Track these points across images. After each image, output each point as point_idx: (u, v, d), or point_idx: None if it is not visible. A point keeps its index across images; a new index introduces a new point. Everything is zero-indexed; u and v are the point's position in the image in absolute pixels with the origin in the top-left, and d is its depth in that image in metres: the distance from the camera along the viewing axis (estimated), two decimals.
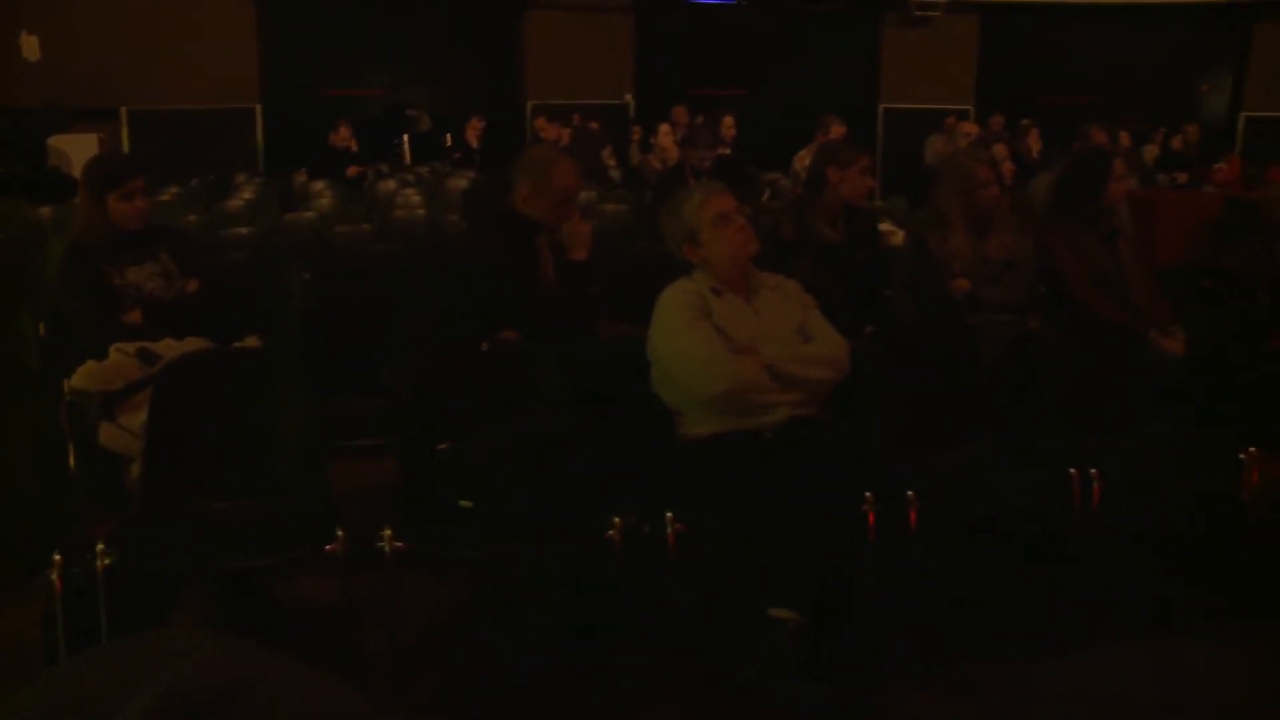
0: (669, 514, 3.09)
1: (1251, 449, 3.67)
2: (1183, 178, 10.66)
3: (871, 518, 3.16)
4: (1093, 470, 3.48)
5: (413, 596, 3.57)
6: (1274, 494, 4.04)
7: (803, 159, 8.13)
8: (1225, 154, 11.09)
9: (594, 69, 12.87)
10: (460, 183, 9.48)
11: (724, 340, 3.37)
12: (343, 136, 10.51)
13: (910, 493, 3.24)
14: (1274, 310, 7.01)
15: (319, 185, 9.72)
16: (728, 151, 8.79)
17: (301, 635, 3.44)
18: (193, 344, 3.72)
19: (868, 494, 3.16)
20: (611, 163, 10.29)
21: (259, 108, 12.58)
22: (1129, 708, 2.43)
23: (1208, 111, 13.83)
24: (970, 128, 9.60)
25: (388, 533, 3.04)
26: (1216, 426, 3.97)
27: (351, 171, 10.30)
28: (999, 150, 6.06)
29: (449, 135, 11.52)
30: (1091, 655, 2.50)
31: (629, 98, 13.24)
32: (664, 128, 9.98)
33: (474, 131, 11.11)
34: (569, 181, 3.97)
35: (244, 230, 7.27)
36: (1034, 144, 9.96)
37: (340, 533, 3.03)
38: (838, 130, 8.78)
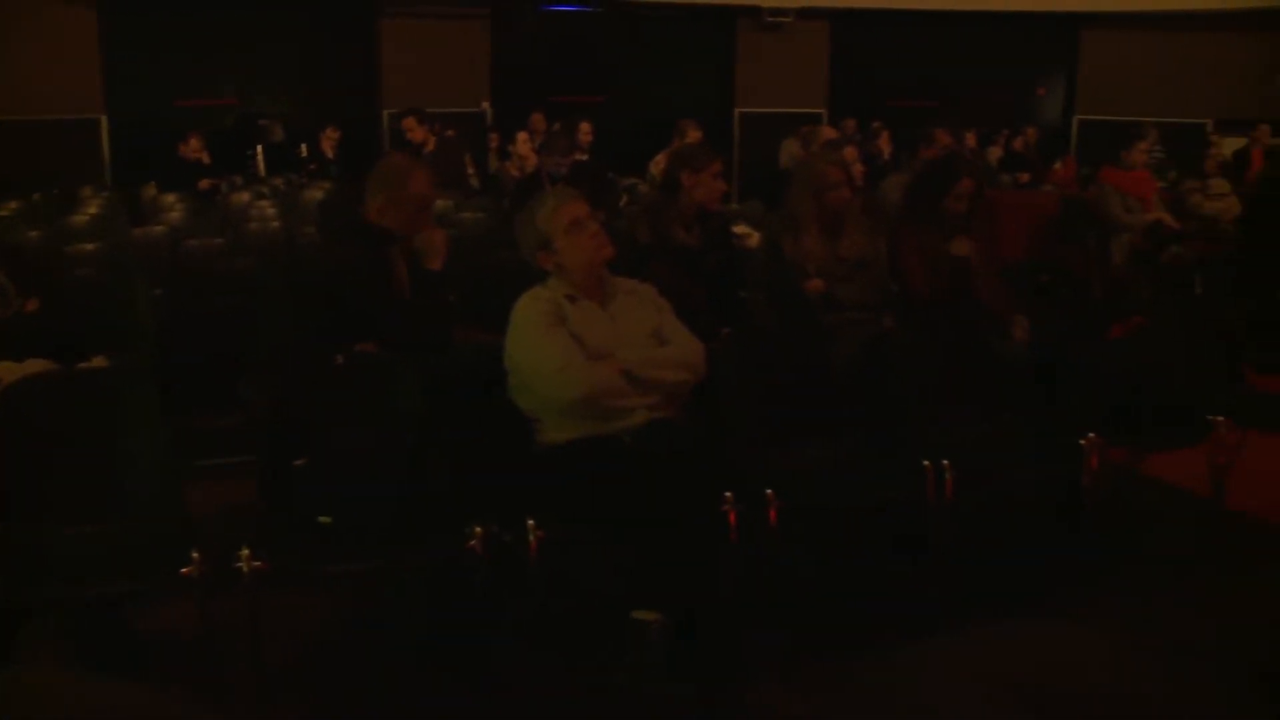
0: (530, 521, 3.10)
1: (1090, 435, 3.85)
2: (1024, 178, 11.07)
3: (732, 517, 3.21)
4: (945, 461, 3.60)
5: (276, 617, 3.50)
6: (1112, 478, 4.25)
7: (659, 164, 8.24)
8: (1062, 155, 11.59)
9: (450, 76, 12.77)
10: (317, 194, 9.32)
11: (580, 346, 3.38)
12: (193, 148, 10.24)
13: (769, 491, 3.30)
14: (1109, 303, 7.35)
15: (170, 198, 9.45)
16: (585, 158, 8.83)
17: (161, 665, 3.35)
18: (34, 366, 3.59)
19: (727, 494, 3.21)
20: (471, 170, 10.25)
21: (104, 118, 12.16)
22: (990, 690, 2.54)
23: (1045, 115, 14.41)
24: (829, 132, 9.83)
25: (245, 553, 2.98)
26: (1058, 415, 4.15)
27: (204, 184, 10.05)
28: (850, 153, 6.22)
29: (304, 146, 11.30)
30: (952, 641, 2.61)
31: (486, 105, 13.18)
32: (521, 135, 9.98)
33: (329, 141, 10.93)
34: (424, 191, 3.94)
35: (91, 246, 7.03)
36: (885, 146, 10.26)
37: (196, 555, 2.96)
38: (694, 135, 8.90)
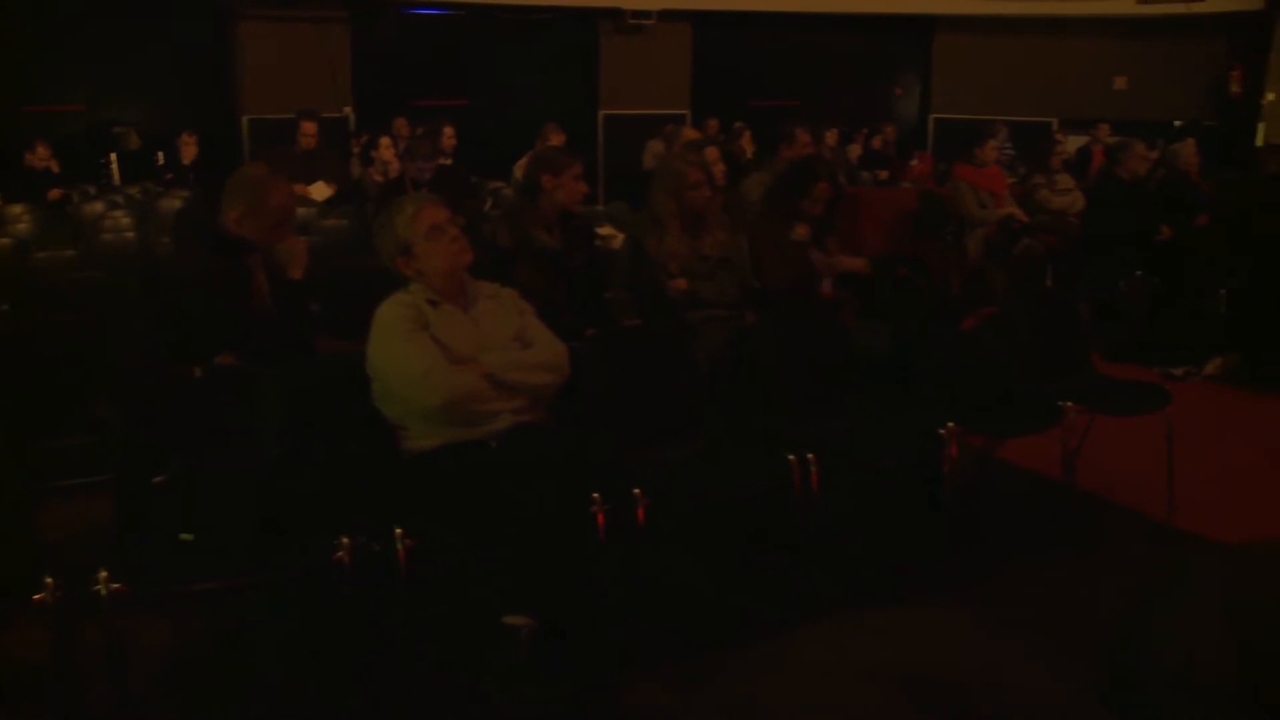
0: (398, 530, 3.07)
1: (950, 424, 3.96)
2: (883, 175, 11.36)
3: (601, 517, 3.22)
4: (809, 454, 3.65)
5: (138, 641, 3.41)
6: (971, 465, 4.40)
7: (522, 168, 8.21)
8: (918, 152, 11.91)
9: (311, 81, 12.54)
10: (175, 203, 9.07)
11: (442, 351, 3.36)
12: (41, 156, 9.86)
13: (637, 490, 3.32)
14: (965, 295, 7.59)
15: (16, 209, 9.08)
16: (449, 162, 8.78)
17: (18, 696, 3.23)
18: None
19: (595, 494, 3.22)
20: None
21: None
22: (861, 676, 2.58)
23: (902, 114, 14.78)
24: (691, 132, 9.91)
25: (103, 575, 2.89)
26: (918, 405, 4.26)
27: (53, 194, 9.68)
28: (711, 153, 6.28)
29: (161, 153, 10.97)
30: (822, 630, 2.65)
31: (348, 110, 12.98)
32: (384, 140, 9.87)
33: (187, 148, 10.64)
34: (283, 201, 3.88)
35: None
36: (747, 146, 10.38)
37: (49, 580, 2.86)
38: (557, 138, 8.90)
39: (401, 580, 3.08)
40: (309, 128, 9.03)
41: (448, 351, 3.37)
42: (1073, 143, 11.62)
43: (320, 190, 8.59)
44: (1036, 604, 3.82)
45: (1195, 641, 2.53)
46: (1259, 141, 13.19)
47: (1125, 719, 2.32)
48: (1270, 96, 13.58)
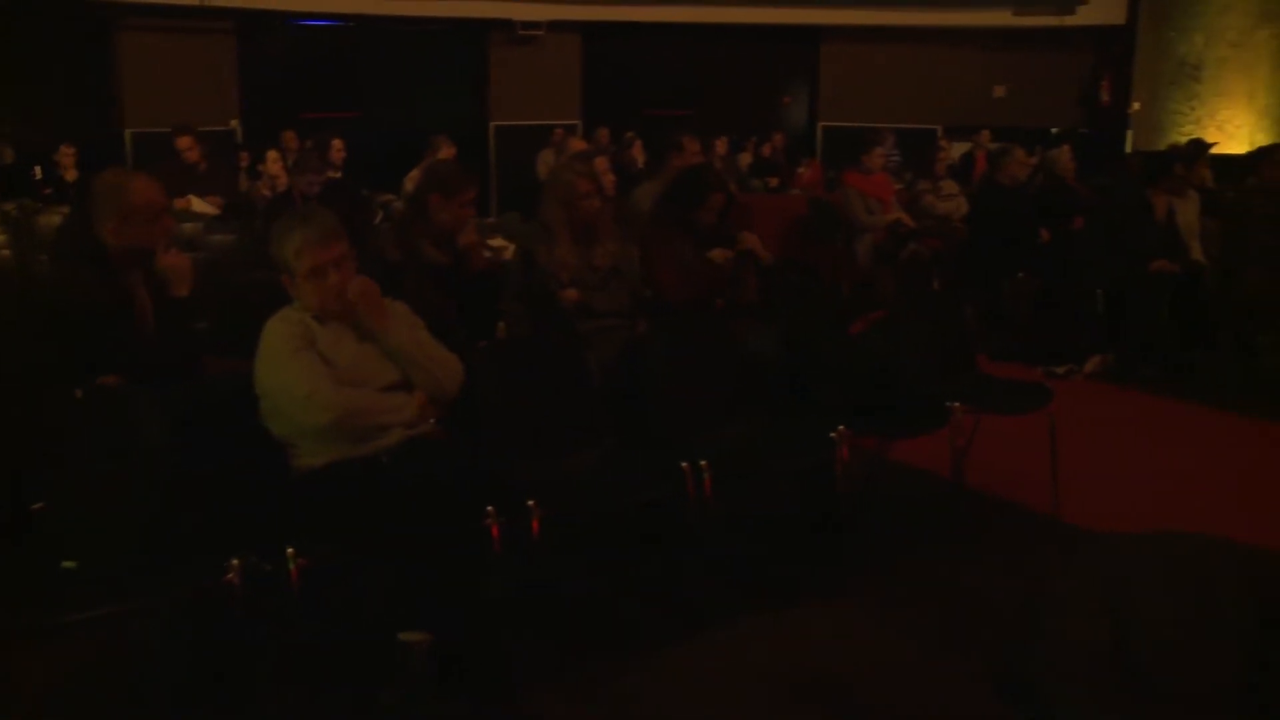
0: (290, 549, 3.02)
1: (840, 427, 4.01)
2: (774, 182, 11.50)
3: (495, 530, 3.20)
4: (702, 461, 3.67)
5: (20, 676, 3.30)
6: (862, 467, 4.47)
7: (414, 180, 8.16)
8: (807, 159, 12.09)
9: (197, 93, 12.29)
10: (54, 219, 8.80)
11: (329, 369, 3.33)
12: None
13: (531, 502, 3.31)
14: (855, 300, 7.72)
15: None
16: (338, 175, 8.68)
17: None
18: None
19: (489, 507, 3.20)
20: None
21: None
22: (760, 681, 2.60)
23: (791, 122, 14.99)
24: (578, 143, 9.94)
25: None
26: (809, 409, 4.32)
27: None
28: (600, 163, 6.32)
29: (38, 168, 10.65)
30: (721, 636, 2.67)
31: (235, 123, 12.76)
32: (272, 154, 9.71)
33: (67, 163, 10.34)
34: (151, 197, 3.76)
35: None
36: (638, 155, 10.48)
37: None
38: (448, 151, 8.87)
39: (295, 600, 3.04)
40: (185, 143, 8.84)
41: (335, 369, 3.33)
42: (956, 149, 11.90)
43: (198, 204, 8.41)
44: (929, 602, 3.90)
45: (1079, 631, 2.61)
46: (1128, 148, 13.67)
47: (1017, 709, 2.38)
48: (1137, 105, 14.10)
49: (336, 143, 9.50)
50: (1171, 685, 2.37)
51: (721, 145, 10.84)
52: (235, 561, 2.96)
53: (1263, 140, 12.13)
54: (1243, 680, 2.35)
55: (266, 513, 3.26)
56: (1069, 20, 13.92)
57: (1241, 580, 2.59)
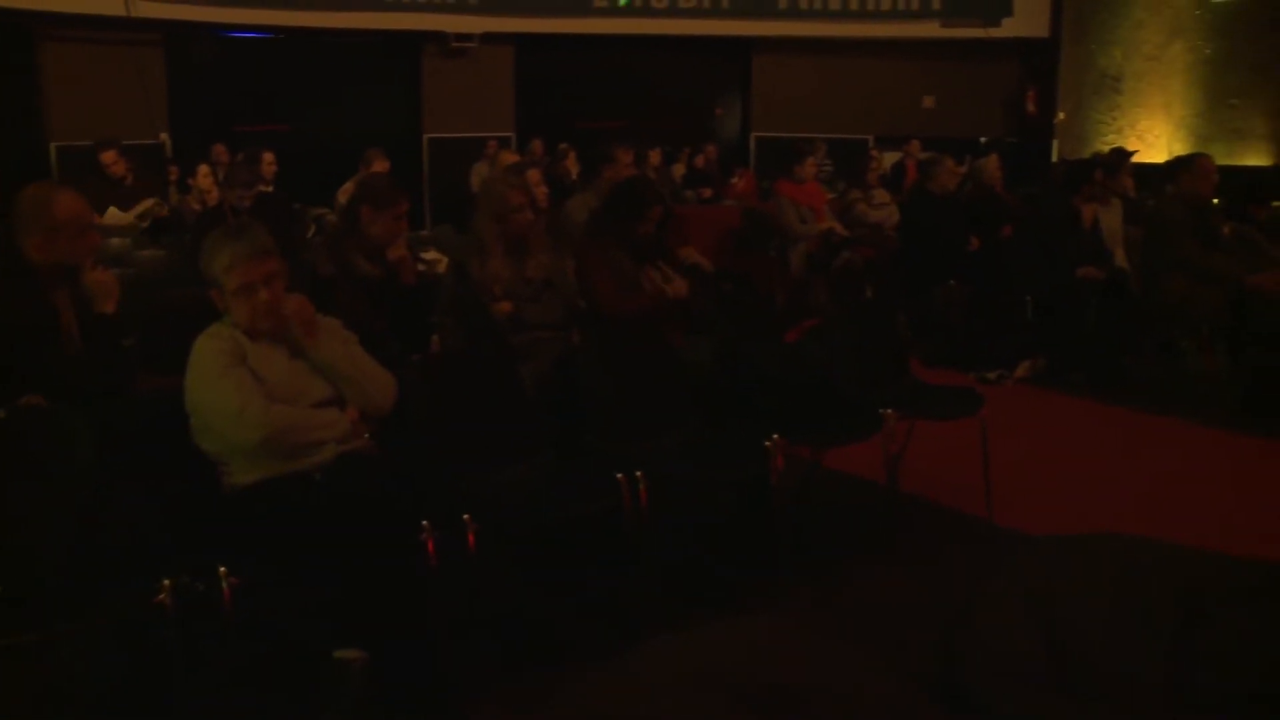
0: (222, 569, 2.99)
1: (775, 436, 4.05)
2: (707, 193, 11.56)
3: (431, 545, 3.19)
4: (638, 472, 3.68)
5: None
6: (796, 476, 4.51)
7: (347, 193, 8.10)
8: (739, 169, 12.17)
9: (123, 106, 12.08)
10: None
11: (261, 385, 3.29)
12: None
13: (466, 515, 3.30)
14: (789, 308, 7.79)
15: None
16: (269, 189, 8.60)
17: None
18: None
19: (424, 522, 3.19)
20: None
21: None
22: (700, 690, 2.61)
23: (724, 133, 15.09)
24: (510, 156, 9.91)
25: None
26: (743, 418, 4.35)
27: None
28: (533, 175, 6.31)
29: None
30: (661, 645, 2.68)
31: (164, 136, 12.57)
32: (203, 167, 9.57)
33: None
34: (76, 212, 3.69)
35: None
36: (572, 167, 10.48)
37: None
38: (381, 164, 8.82)
39: (228, 620, 3.00)
40: (110, 157, 8.69)
41: (266, 385, 3.30)
42: (887, 159, 12.04)
43: (116, 216, 8.26)
44: (865, 606, 3.94)
45: (1012, 632, 2.65)
46: (1054, 157, 13.94)
47: (954, 711, 2.42)
48: (1062, 115, 14.38)
49: (268, 156, 9.39)
50: (1102, 682, 2.42)
51: (655, 156, 10.88)
52: (167, 582, 2.92)
53: (1180, 149, 12.44)
54: (1169, 674, 2.41)
55: (198, 532, 3.22)
56: (995, 33, 14.16)
57: (1166, 578, 2.66)
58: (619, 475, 3.65)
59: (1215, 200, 7.38)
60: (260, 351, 3.36)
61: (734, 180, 11.74)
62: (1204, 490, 5.16)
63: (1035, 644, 2.57)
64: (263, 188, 8.27)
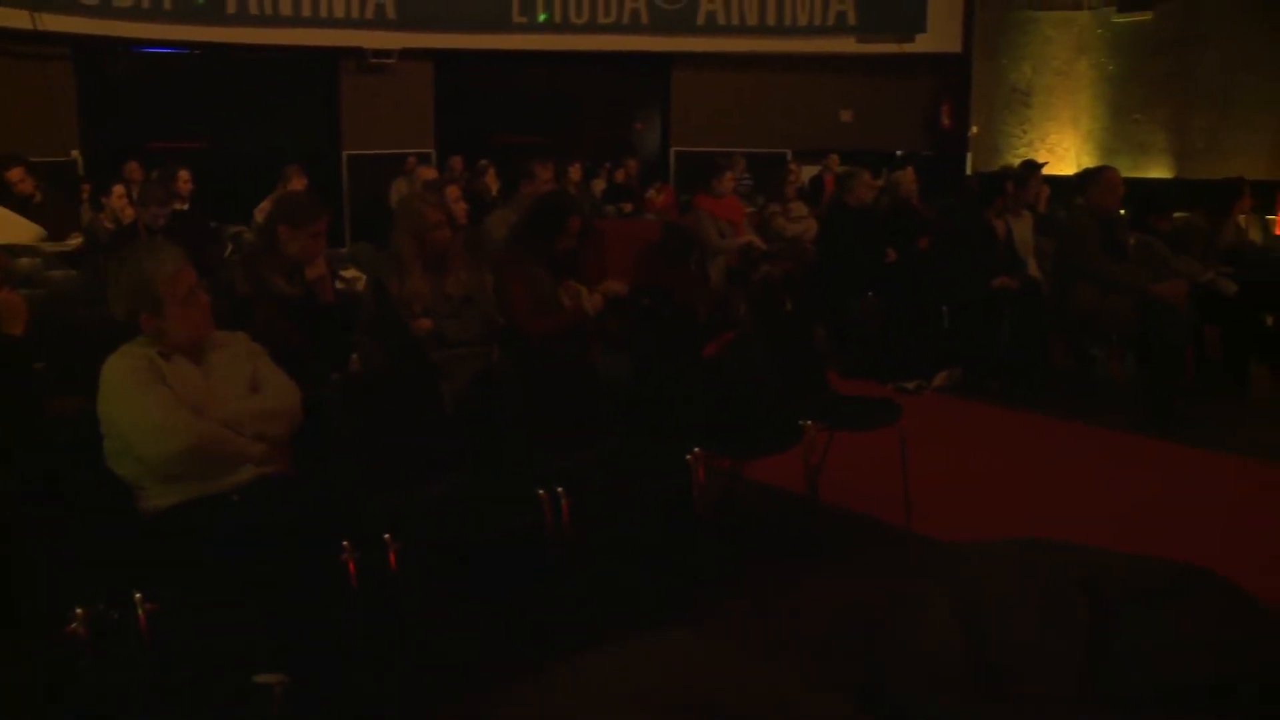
0: (138, 594, 2.93)
1: (696, 449, 4.08)
2: (627, 207, 11.60)
3: (351, 565, 3.17)
4: (559, 488, 3.69)
5: None
6: (719, 487, 4.54)
7: (264, 211, 8.01)
8: (656, 183, 12.23)
9: (32, 122, 11.83)
10: None
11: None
12: None
13: (387, 535, 3.28)
14: (710, 322, 7.83)
15: None
16: (185, 207, 8.48)
17: None
18: None
19: (344, 542, 3.16)
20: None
21: None
22: (625, 706, 2.61)
23: (644, 148, 15.15)
24: (428, 172, 9.88)
25: None
26: (664, 432, 4.37)
27: None
28: (452, 191, 6.30)
29: None
30: (586, 661, 2.68)
31: (75, 153, 12.33)
32: (116, 186, 9.40)
33: None
34: None
35: None
36: (491, 183, 10.47)
37: None
38: (299, 181, 8.74)
39: (145, 647, 2.95)
40: (16, 174, 8.47)
41: (185, 403, 3.25)
42: (806, 172, 12.18)
43: (21, 230, 8.03)
44: (789, 616, 3.97)
45: (933, 638, 2.70)
46: (968, 169, 14.21)
47: (879, 718, 2.45)
48: (975, 129, 14.68)
49: (183, 173, 9.26)
50: (1020, 683, 2.47)
51: (576, 172, 10.91)
52: (80, 610, 2.86)
53: (1088, 162, 12.77)
54: (1083, 672, 2.47)
55: (112, 558, 3.16)
56: (909, 48, 14.41)
57: (1078, 580, 2.72)
58: (540, 491, 3.65)
59: (1121, 212, 7.57)
60: (175, 370, 3.32)
61: (650, 193, 11.79)
62: (1114, 494, 5.30)
63: (956, 648, 2.61)
64: (178, 206, 8.16)
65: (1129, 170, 11.76)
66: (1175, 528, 4.77)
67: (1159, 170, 13.30)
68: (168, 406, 3.21)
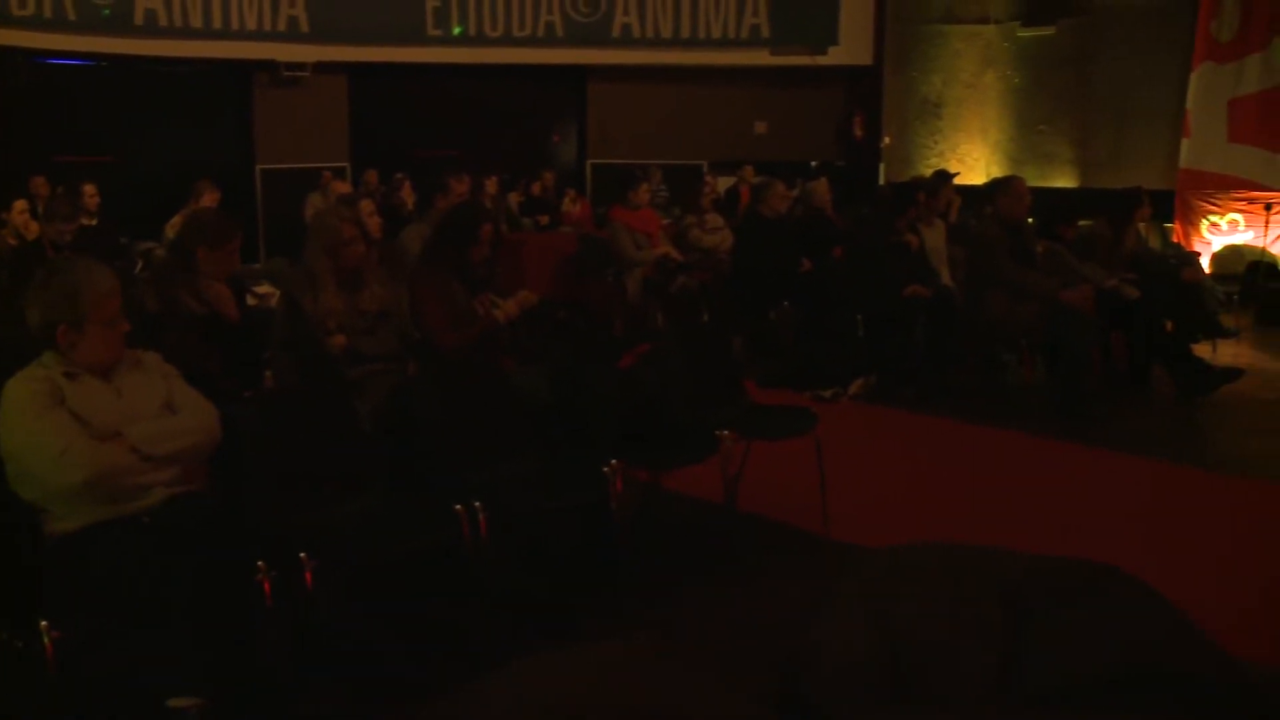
0: (44, 622, 2.86)
1: (613, 461, 4.09)
2: (544, 220, 11.59)
3: (267, 585, 3.13)
4: (476, 503, 3.68)
5: None
6: (637, 498, 4.55)
7: (175, 226, 7.88)
8: (570, 193, 12.23)
9: None
10: None
11: (83, 426, 3.18)
12: None
13: (303, 554, 3.25)
14: (627, 334, 7.86)
15: None
16: (92, 222, 8.31)
17: None
18: None
19: (260, 562, 3.13)
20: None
21: None
22: (547, 716, 2.59)
23: (561, 160, 15.14)
24: (342, 186, 9.78)
25: None
26: (581, 445, 4.37)
27: None
28: (366, 205, 6.24)
29: None
30: (505, 676, 2.67)
31: None
32: (19, 201, 9.19)
33: None
34: None
35: None
36: (408, 196, 10.38)
37: None
38: (210, 196, 8.60)
39: (51, 676, 2.87)
40: None
41: (89, 426, 3.18)
42: (721, 184, 12.26)
43: None
44: (710, 626, 3.99)
45: (851, 644, 2.73)
46: (881, 179, 14.43)
47: None
48: (887, 139, 14.91)
49: (89, 188, 9.08)
50: (938, 684, 2.51)
51: (492, 184, 10.88)
52: None
53: (997, 172, 13.04)
54: (1000, 671, 2.52)
55: (17, 584, 3.07)
56: (822, 60, 14.57)
57: (992, 580, 2.77)
58: (457, 506, 3.64)
59: (1030, 220, 7.74)
60: (80, 391, 3.25)
61: (569, 207, 11.79)
62: (1026, 495, 5.41)
63: (874, 653, 2.64)
64: (85, 221, 8.00)
65: (1036, 180, 12.05)
66: (1083, 527, 4.88)
67: (1064, 180, 13.63)
68: (69, 435, 3.14)
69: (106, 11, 12.11)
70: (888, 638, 2.64)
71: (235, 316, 4.33)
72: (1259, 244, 11.80)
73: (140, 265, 8.22)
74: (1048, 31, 13.75)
